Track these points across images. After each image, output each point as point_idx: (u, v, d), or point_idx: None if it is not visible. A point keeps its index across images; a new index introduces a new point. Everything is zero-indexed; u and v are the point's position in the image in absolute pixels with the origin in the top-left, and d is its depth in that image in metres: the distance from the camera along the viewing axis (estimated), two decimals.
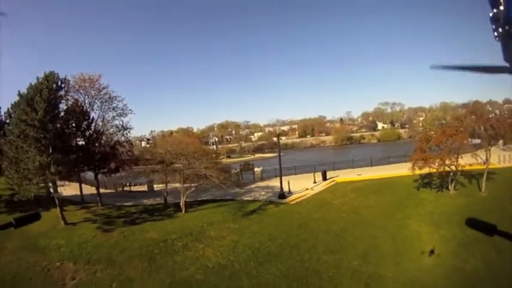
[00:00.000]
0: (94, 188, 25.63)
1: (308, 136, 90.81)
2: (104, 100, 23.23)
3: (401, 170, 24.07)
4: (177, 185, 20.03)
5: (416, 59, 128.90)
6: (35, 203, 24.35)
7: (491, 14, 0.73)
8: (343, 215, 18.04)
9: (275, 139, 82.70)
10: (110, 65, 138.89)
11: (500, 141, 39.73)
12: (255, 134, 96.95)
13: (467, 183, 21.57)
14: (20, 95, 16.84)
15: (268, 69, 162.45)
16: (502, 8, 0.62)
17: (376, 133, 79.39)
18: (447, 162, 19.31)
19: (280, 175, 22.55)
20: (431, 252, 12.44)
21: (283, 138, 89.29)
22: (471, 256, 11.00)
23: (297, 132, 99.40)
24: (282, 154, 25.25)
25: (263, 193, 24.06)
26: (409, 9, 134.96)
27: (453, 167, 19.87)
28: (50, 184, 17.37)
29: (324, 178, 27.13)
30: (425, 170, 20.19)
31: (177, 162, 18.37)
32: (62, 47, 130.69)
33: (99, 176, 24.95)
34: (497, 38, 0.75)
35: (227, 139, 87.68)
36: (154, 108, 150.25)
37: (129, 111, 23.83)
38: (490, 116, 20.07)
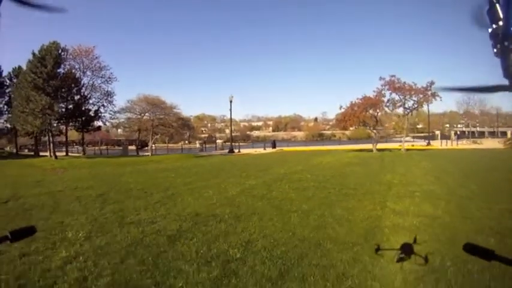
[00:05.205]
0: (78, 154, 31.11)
1: (281, 131, 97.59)
2: (94, 69, 28.48)
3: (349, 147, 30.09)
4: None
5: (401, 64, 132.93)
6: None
7: (490, 30, 0.72)
8: (272, 159, 23.69)
9: (248, 132, 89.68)
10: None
11: (452, 133, 47.25)
12: None
13: (396, 151, 26.60)
14: (33, 53, 22.09)
15: (246, 67, 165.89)
16: (501, 23, 0.64)
17: (347, 132, 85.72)
18: (369, 124, 25.69)
19: (230, 136, 28.26)
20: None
21: (256, 132, 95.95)
22: (357, 166, 15.11)
23: (270, 128, 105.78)
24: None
25: (219, 153, 29.68)
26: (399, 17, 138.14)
27: (373, 130, 26.27)
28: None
29: (273, 146, 32.87)
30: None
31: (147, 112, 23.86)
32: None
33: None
34: (496, 54, 0.73)
35: (202, 130, 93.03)
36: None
37: (114, 79, 29.17)
38: (404, 85, 25.05)
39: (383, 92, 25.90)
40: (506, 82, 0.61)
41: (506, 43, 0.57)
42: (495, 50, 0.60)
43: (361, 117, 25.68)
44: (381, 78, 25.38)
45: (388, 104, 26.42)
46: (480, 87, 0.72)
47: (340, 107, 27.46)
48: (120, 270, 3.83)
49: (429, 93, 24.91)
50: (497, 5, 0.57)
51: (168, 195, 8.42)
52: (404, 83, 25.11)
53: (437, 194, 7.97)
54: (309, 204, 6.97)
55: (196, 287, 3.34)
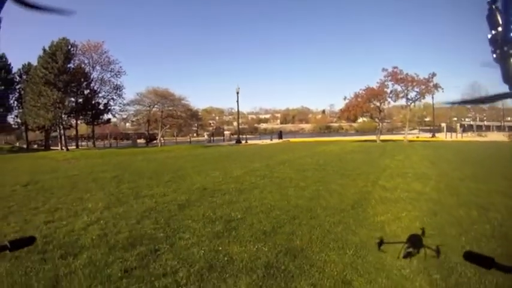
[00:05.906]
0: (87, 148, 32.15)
1: (288, 124, 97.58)
2: (103, 63, 29.23)
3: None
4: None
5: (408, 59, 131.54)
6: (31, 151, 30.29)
7: (489, 36, 0.72)
8: (277, 148, 24.16)
9: (256, 125, 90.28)
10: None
11: (457, 125, 47.23)
12: None
13: (399, 142, 26.77)
14: (44, 49, 22.93)
15: (254, 60, 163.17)
16: (500, 29, 0.66)
17: (355, 124, 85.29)
18: (373, 114, 26.11)
19: (237, 127, 28.83)
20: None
21: (264, 124, 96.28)
22: (358, 154, 15.27)
23: (278, 120, 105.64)
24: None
25: (226, 143, 30.36)
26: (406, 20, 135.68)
27: (376, 120, 26.59)
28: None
29: (280, 137, 33.31)
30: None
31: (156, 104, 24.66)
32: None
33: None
34: (496, 60, 0.73)
35: (210, 123, 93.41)
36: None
37: (123, 73, 29.91)
38: (406, 76, 25.21)
39: (386, 83, 26.11)
40: (506, 87, 0.60)
41: (505, 48, 0.58)
42: (494, 56, 0.61)
43: (364, 107, 26.02)
44: (383, 70, 25.60)
45: (391, 95, 26.61)
46: (482, 98, 0.73)
47: (345, 98, 27.79)
48: (136, 228, 4.48)
49: (431, 84, 25.00)
50: (497, 11, 0.59)
51: (178, 175, 9.09)
52: (407, 74, 25.28)
53: (428, 175, 8.43)
54: (306, 182, 7.54)
55: (202, 238, 3.96)
